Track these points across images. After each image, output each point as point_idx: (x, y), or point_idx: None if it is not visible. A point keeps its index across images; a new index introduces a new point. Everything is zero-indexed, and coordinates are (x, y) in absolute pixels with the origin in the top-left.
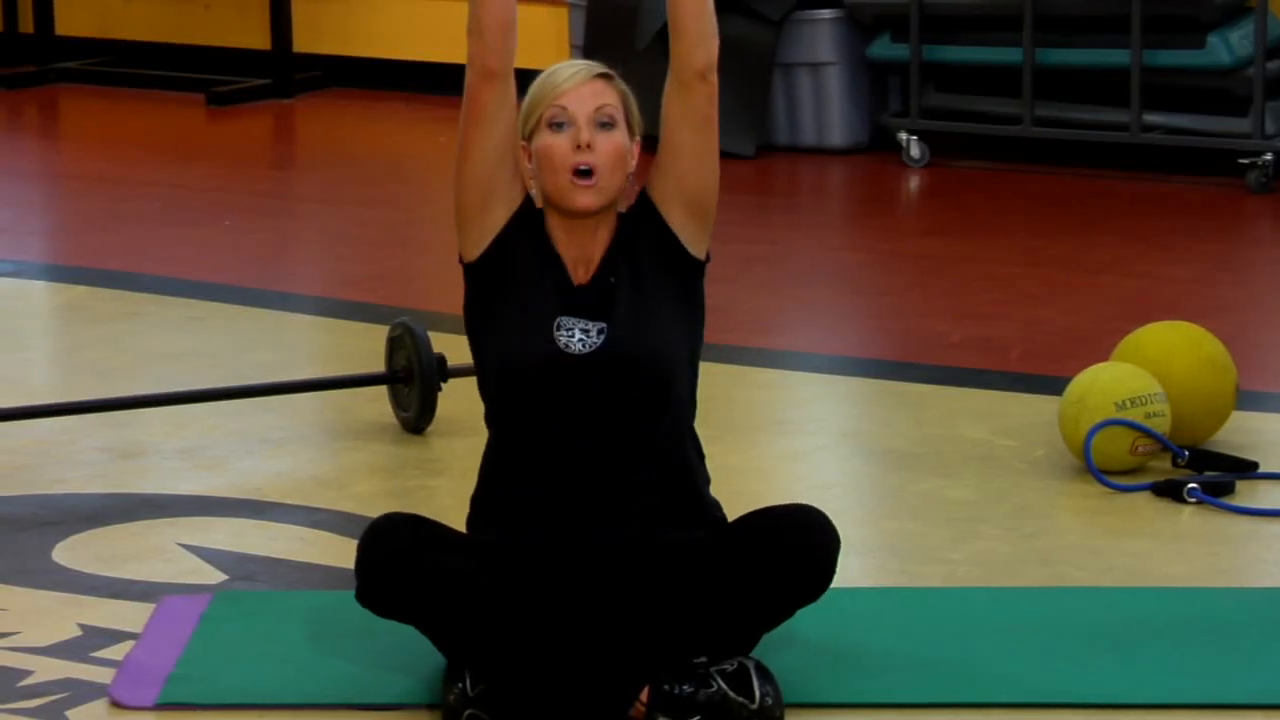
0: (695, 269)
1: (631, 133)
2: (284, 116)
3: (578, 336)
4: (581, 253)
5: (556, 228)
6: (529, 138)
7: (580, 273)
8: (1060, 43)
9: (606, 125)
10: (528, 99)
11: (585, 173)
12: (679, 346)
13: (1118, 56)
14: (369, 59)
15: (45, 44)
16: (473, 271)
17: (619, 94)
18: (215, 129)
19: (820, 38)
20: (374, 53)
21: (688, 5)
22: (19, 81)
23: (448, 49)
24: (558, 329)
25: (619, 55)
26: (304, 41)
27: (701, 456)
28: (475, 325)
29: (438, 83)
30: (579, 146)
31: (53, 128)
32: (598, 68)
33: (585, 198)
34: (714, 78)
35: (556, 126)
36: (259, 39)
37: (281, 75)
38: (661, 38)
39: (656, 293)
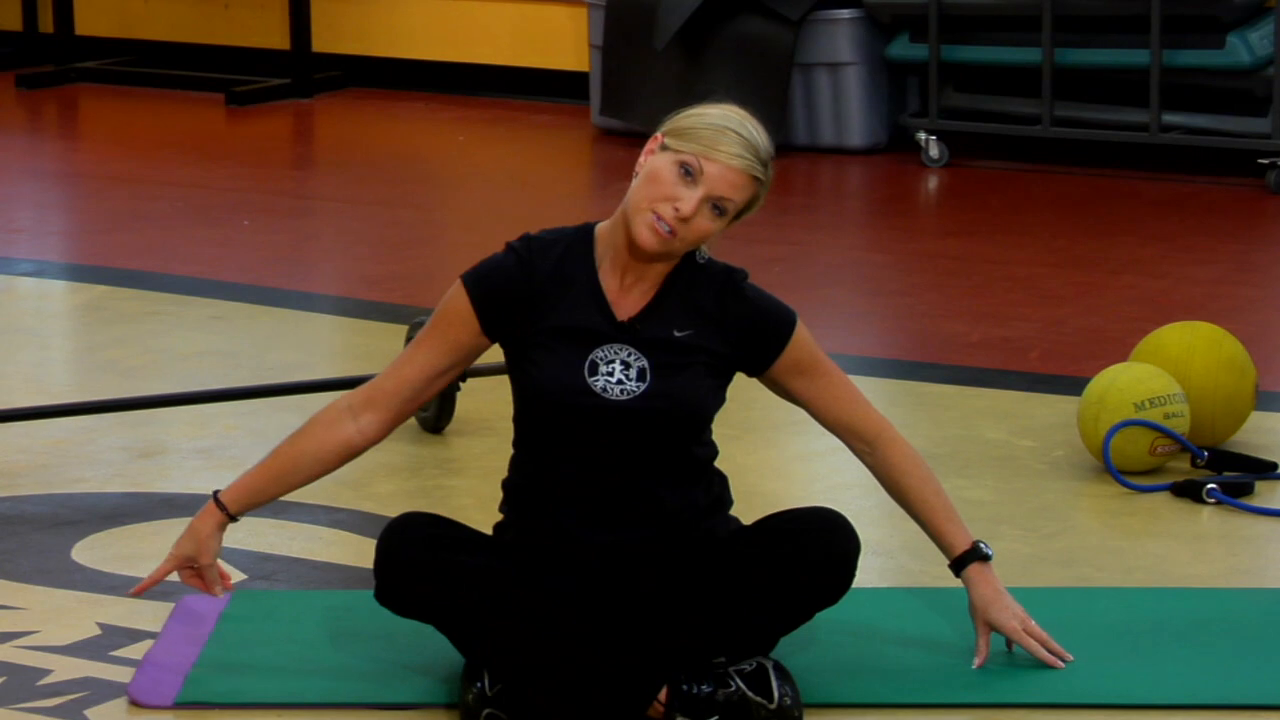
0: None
1: (732, 219)
2: (303, 116)
3: (616, 376)
4: (634, 261)
5: (619, 227)
6: (665, 145)
7: (628, 281)
8: (1080, 43)
9: (716, 210)
10: (694, 117)
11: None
12: (711, 404)
13: (1137, 56)
14: (388, 59)
15: (65, 44)
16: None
17: (752, 193)
18: (235, 129)
19: (839, 38)
20: (393, 52)
21: (910, 505)
22: (39, 81)
23: (467, 49)
24: (594, 372)
25: (638, 54)
26: (323, 41)
27: (715, 456)
28: (510, 355)
29: (457, 82)
30: (678, 208)
31: (73, 127)
32: (758, 167)
33: (650, 238)
34: None
35: (685, 171)
36: (278, 39)
37: (301, 75)
38: (680, 37)
39: (709, 349)
